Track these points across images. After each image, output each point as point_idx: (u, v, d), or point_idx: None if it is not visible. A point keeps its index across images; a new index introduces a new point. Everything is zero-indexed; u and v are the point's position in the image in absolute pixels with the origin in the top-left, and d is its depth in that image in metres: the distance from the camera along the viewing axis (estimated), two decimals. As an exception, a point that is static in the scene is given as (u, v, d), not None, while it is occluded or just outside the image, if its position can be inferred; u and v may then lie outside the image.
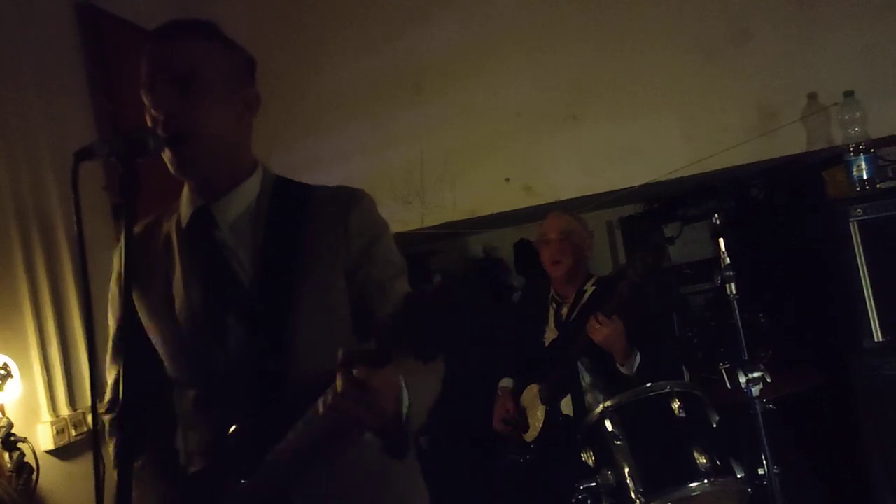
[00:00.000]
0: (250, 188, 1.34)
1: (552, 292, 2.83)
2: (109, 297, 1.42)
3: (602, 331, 2.43)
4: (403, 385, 1.09)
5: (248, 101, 1.32)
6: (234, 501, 1.22)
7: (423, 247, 3.74)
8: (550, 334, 2.77)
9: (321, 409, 1.07)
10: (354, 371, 0.99)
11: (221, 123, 1.27)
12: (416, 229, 3.08)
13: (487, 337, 2.51)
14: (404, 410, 1.08)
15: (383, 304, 1.30)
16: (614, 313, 2.42)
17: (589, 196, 3.00)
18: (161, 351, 1.34)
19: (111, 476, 1.06)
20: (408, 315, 0.93)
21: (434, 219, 3.10)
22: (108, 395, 1.43)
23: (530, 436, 2.72)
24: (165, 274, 1.34)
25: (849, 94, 2.55)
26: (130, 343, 1.26)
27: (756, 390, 2.01)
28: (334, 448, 1.21)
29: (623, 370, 2.47)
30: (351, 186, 1.39)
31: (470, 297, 0.91)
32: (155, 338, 1.34)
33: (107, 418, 1.42)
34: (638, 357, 2.47)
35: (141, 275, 1.34)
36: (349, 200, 1.34)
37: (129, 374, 1.07)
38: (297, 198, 1.35)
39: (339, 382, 1.01)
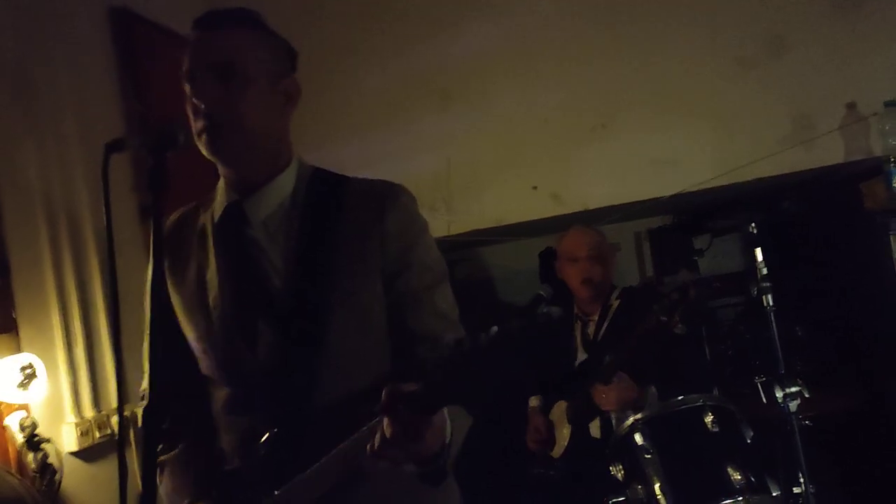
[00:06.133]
0: (284, 183, 1.30)
1: (576, 310, 2.76)
2: (146, 287, 1.35)
3: (610, 399, 2.38)
4: (448, 423, 1.04)
5: (288, 93, 1.30)
6: None
7: (448, 255, 3.71)
8: (580, 354, 2.70)
9: (370, 454, 1.01)
10: (402, 414, 0.94)
11: (262, 114, 1.24)
12: (442, 237, 3.05)
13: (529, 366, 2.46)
14: (446, 442, 1.04)
15: (419, 315, 1.26)
16: (614, 375, 2.35)
17: (617, 206, 2.95)
18: (193, 346, 1.31)
19: (135, 480, 1.03)
20: (460, 366, 0.88)
21: (460, 226, 3.07)
22: (144, 383, 1.39)
23: (556, 452, 2.66)
24: (199, 267, 1.30)
25: (889, 103, 2.49)
26: (158, 341, 1.22)
27: (793, 406, 1.95)
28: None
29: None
30: (391, 182, 1.33)
31: (525, 351, 0.88)
32: (187, 332, 1.31)
33: (140, 404, 1.39)
34: (653, 391, 2.41)
35: (176, 266, 1.31)
36: (387, 197, 1.29)
37: (159, 370, 1.03)
38: (332, 193, 1.30)
39: (386, 428, 0.96)
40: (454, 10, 3.00)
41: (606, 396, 2.39)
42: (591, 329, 2.70)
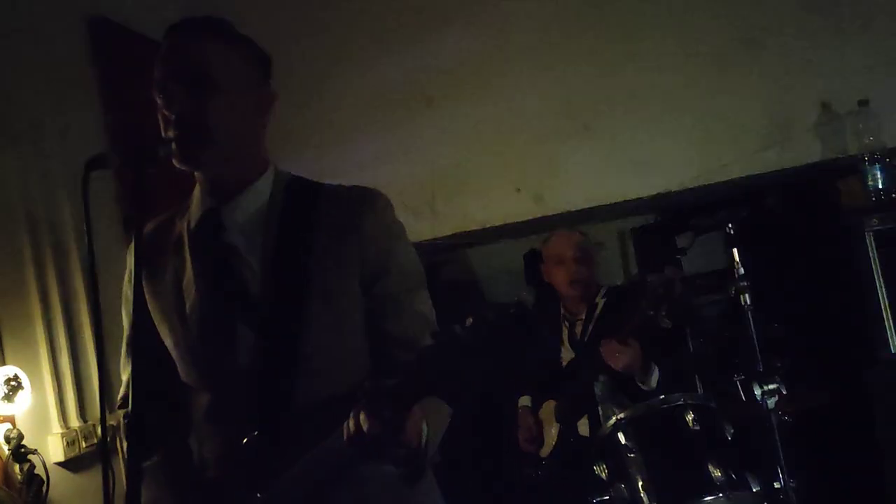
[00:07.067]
0: (261, 189, 1.30)
1: (563, 311, 2.79)
2: (123, 296, 1.38)
3: (621, 359, 2.39)
4: (425, 420, 1.07)
5: (261, 101, 1.29)
6: None
7: (433, 257, 3.73)
8: (567, 354, 2.73)
9: (346, 444, 1.04)
10: (381, 410, 0.97)
11: (233, 122, 1.24)
12: (426, 240, 3.07)
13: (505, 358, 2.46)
14: (423, 442, 1.07)
15: (397, 319, 1.27)
16: (629, 337, 2.38)
17: (600, 206, 2.98)
18: (172, 353, 1.31)
19: (121, 489, 1.05)
20: (436, 357, 0.91)
21: (445, 229, 3.09)
22: (121, 391, 1.41)
23: (543, 451, 2.69)
24: (176, 275, 1.30)
25: (863, 102, 2.53)
26: (139, 350, 1.23)
27: (771, 402, 1.99)
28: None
29: (644, 387, 2.43)
30: (367, 187, 1.34)
31: (500, 342, 0.90)
32: (165, 339, 1.31)
33: (121, 412, 1.39)
34: (657, 371, 2.43)
35: (152, 274, 1.31)
36: (364, 203, 1.30)
37: (138, 379, 1.05)
38: (309, 199, 1.31)
39: (363, 420, 0.99)
40: (438, 17, 3.02)
41: (619, 355, 2.38)
42: (577, 328, 2.73)
